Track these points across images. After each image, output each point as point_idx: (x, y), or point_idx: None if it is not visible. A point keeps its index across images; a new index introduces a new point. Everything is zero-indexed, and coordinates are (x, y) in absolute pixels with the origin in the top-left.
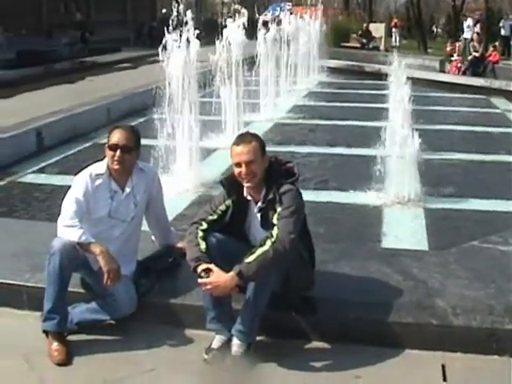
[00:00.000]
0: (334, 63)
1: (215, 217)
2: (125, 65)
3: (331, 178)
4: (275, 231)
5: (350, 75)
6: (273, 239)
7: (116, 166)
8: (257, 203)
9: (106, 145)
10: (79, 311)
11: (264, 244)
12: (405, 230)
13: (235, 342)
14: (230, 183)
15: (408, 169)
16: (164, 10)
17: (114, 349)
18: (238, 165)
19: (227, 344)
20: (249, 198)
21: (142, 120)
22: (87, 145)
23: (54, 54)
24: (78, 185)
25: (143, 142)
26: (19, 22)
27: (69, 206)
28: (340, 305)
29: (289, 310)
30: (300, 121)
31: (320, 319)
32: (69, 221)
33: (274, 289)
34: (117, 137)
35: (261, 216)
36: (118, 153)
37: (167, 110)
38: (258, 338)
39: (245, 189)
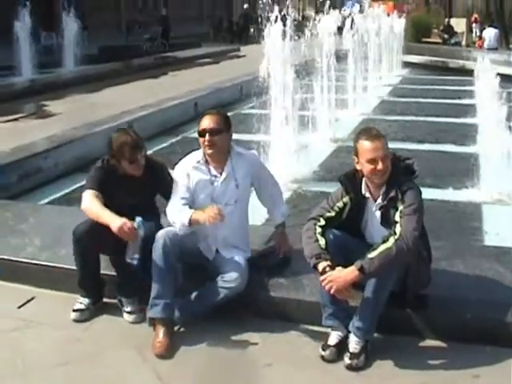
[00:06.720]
0: (416, 58)
1: (333, 214)
2: (206, 60)
3: (425, 175)
4: (398, 229)
5: (434, 71)
6: (396, 236)
7: (209, 151)
8: (375, 200)
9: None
10: (194, 301)
11: (387, 241)
12: (506, 227)
13: (353, 338)
14: (349, 180)
15: (505, 166)
16: (246, 6)
17: (228, 342)
18: (373, 161)
19: (344, 341)
20: (367, 195)
21: (229, 114)
22: (176, 139)
23: (135, 49)
24: (179, 175)
25: (233, 136)
26: (100, 19)
27: (175, 196)
28: (456, 303)
29: (403, 307)
30: (388, 117)
31: (435, 317)
32: (177, 211)
33: (392, 287)
34: (204, 122)
35: (381, 214)
36: (207, 137)
37: (256, 105)
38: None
39: (363, 186)
